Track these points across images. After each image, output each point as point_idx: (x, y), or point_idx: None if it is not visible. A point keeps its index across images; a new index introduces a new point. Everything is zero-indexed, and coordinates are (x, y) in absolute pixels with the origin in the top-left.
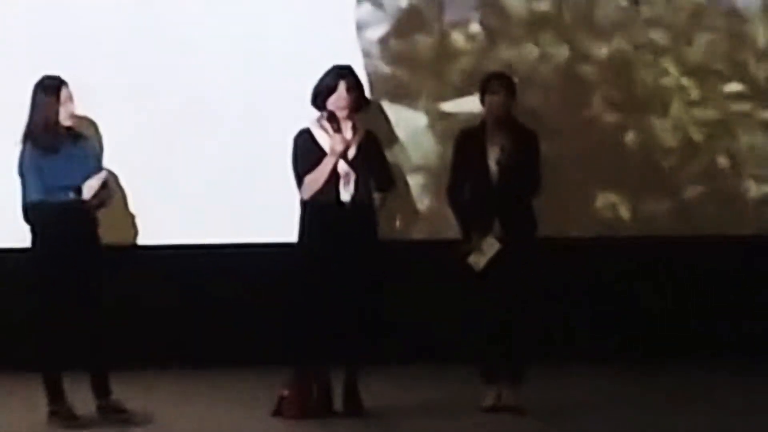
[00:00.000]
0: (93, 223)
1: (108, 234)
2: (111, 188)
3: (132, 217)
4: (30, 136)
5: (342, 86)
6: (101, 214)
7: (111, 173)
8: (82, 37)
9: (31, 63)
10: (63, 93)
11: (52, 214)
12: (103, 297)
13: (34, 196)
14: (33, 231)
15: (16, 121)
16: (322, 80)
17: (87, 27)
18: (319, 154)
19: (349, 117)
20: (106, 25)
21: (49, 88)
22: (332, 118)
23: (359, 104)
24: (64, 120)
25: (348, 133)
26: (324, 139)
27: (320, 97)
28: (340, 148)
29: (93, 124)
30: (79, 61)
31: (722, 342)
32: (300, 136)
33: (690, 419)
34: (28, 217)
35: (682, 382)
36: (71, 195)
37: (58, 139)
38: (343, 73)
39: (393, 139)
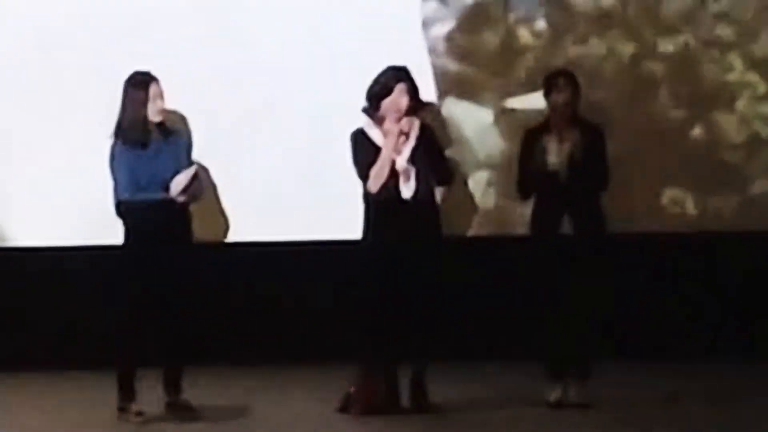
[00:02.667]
0: (185, 219)
1: (200, 230)
2: (201, 183)
3: (224, 211)
4: (120, 131)
5: (398, 90)
6: (193, 210)
7: (202, 167)
8: (169, 34)
9: (121, 59)
10: (152, 89)
11: (143, 210)
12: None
13: (125, 193)
14: (125, 227)
15: (109, 116)
16: (377, 81)
17: (174, 25)
18: (376, 151)
19: (405, 116)
20: (191, 21)
21: (139, 84)
22: (386, 119)
23: (414, 107)
24: (153, 116)
25: (402, 130)
26: (379, 137)
27: (375, 98)
28: (392, 136)
29: (183, 119)
30: (167, 58)
31: None
32: (356, 136)
33: (756, 417)
34: (120, 212)
35: (750, 381)
36: (161, 191)
37: (147, 134)
38: (399, 75)
39: (450, 139)
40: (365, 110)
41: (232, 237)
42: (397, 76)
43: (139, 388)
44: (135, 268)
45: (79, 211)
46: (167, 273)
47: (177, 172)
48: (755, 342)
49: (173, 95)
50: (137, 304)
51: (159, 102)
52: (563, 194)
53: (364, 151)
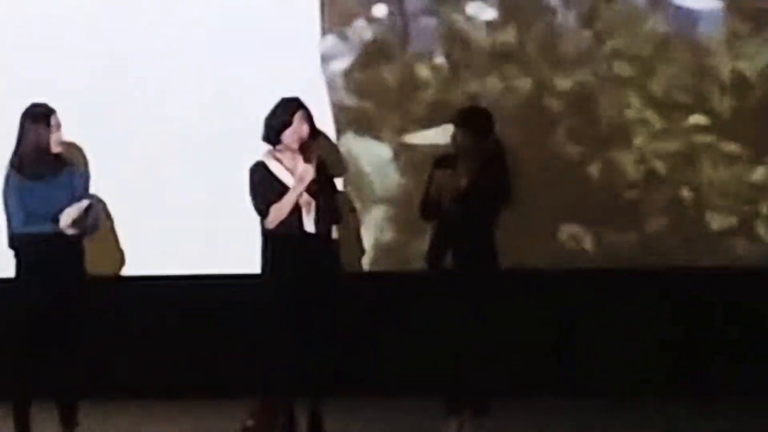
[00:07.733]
0: (77, 252)
1: (94, 264)
2: (96, 216)
3: (119, 246)
4: (15, 163)
5: (297, 119)
6: (88, 243)
7: (99, 201)
8: (65, 65)
9: (13, 92)
10: (52, 120)
11: (35, 242)
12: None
13: (17, 225)
14: (17, 260)
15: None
16: (273, 114)
17: (70, 55)
18: (278, 185)
19: (303, 147)
20: (88, 54)
21: (39, 116)
22: (287, 150)
23: (313, 136)
24: (54, 147)
25: (306, 162)
26: (280, 170)
27: (273, 130)
28: (307, 178)
29: (80, 151)
30: (62, 90)
31: (687, 375)
32: (256, 169)
33: None
34: (12, 245)
35: (641, 416)
36: (52, 224)
37: (44, 166)
38: (295, 105)
39: (345, 171)
40: (268, 141)
41: (132, 271)
42: (293, 106)
43: (39, 420)
44: (25, 300)
45: None
46: (58, 306)
47: (70, 205)
48: (651, 376)
49: (71, 127)
50: (27, 337)
51: (57, 133)
52: (453, 228)
53: (264, 185)
